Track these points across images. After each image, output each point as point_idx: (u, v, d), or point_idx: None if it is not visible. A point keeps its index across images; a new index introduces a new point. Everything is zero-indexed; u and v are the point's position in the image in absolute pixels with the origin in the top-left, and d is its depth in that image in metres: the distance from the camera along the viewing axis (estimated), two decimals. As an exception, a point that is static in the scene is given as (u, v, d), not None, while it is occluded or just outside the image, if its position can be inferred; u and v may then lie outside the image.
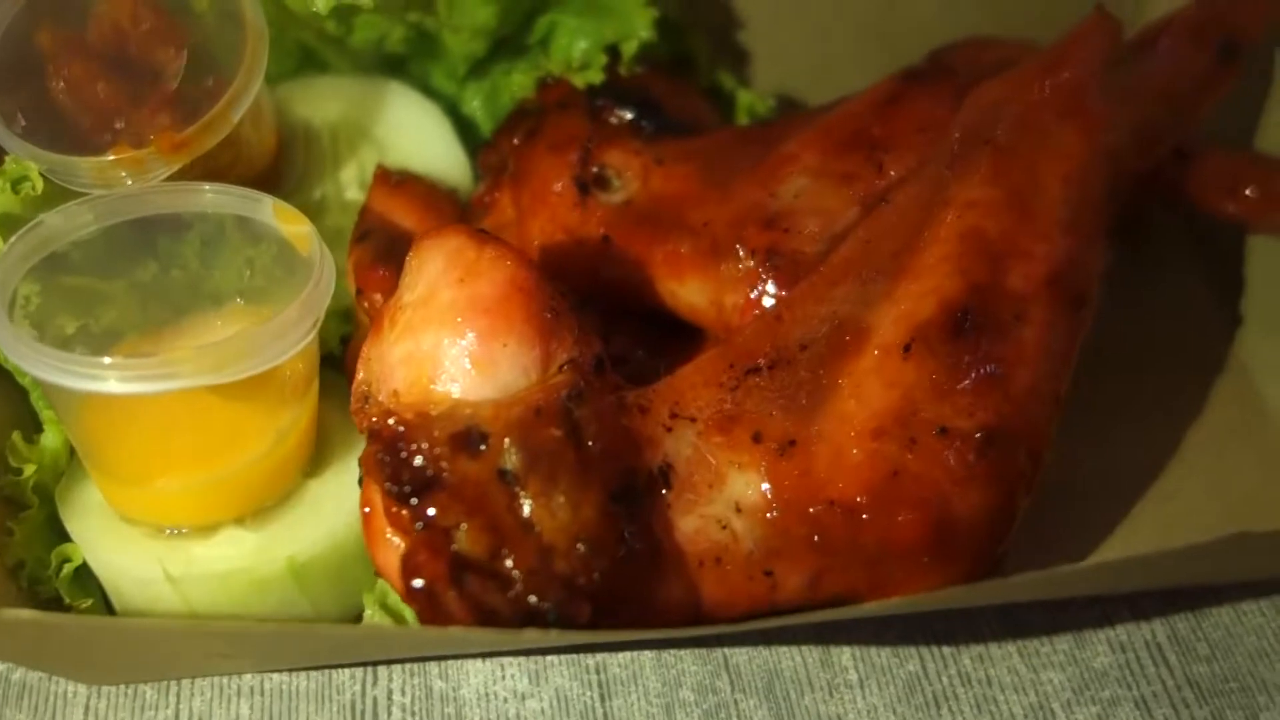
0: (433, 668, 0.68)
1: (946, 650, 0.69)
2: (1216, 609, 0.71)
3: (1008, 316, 0.61)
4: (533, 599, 0.52)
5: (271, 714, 0.66)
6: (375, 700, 0.67)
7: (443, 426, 0.54)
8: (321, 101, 0.83)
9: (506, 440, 0.54)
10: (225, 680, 0.67)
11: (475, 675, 0.68)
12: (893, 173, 0.67)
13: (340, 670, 0.68)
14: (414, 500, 0.53)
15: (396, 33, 0.79)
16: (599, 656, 0.68)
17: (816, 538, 0.59)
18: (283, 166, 0.80)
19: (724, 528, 0.59)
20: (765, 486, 0.59)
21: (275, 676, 0.68)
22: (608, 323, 0.71)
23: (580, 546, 0.53)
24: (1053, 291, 0.62)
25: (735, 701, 0.67)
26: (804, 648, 0.69)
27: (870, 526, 0.59)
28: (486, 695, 0.67)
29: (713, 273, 0.67)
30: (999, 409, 0.60)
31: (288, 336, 0.58)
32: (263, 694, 0.67)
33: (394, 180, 0.77)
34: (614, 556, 0.54)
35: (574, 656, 0.68)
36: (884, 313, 0.62)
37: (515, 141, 0.77)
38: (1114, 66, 0.71)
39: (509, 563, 0.52)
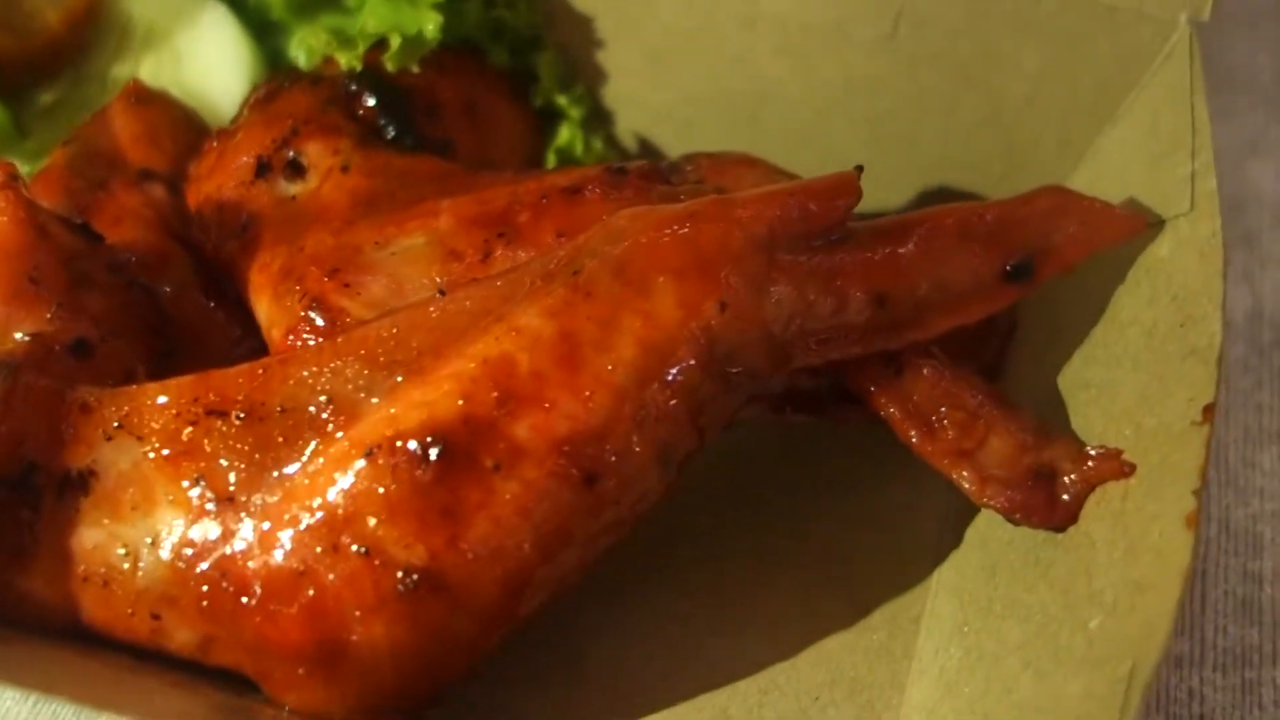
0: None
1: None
2: None
3: (488, 462, 0.55)
4: None
5: None
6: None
7: None
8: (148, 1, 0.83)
9: (-105, 388, 0.54)
10: None
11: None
12: (497, 267, 0.61)
13: None
14: None
15: (211, -43, 0.78)
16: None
17: (206, 603, 0.56)
18: (76, 49, 0.81)
19: (126, 554, 0.56)
20: (187, 532, 0.56)
21: None
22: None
23: (-100, 519, 0.52)
24: (560, 457, 0.55)
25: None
26: None
27: (252, 613, 0.55)
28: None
29: (277, 300, 0.63)
30: (439, 554, 0.55)
31: None
32: None
33: (138, 96, 0.76)
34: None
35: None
36: (377, 408, 0.56)
37: (254, 99, 0.75)
38: (827, 240, 0.61)
39: None
